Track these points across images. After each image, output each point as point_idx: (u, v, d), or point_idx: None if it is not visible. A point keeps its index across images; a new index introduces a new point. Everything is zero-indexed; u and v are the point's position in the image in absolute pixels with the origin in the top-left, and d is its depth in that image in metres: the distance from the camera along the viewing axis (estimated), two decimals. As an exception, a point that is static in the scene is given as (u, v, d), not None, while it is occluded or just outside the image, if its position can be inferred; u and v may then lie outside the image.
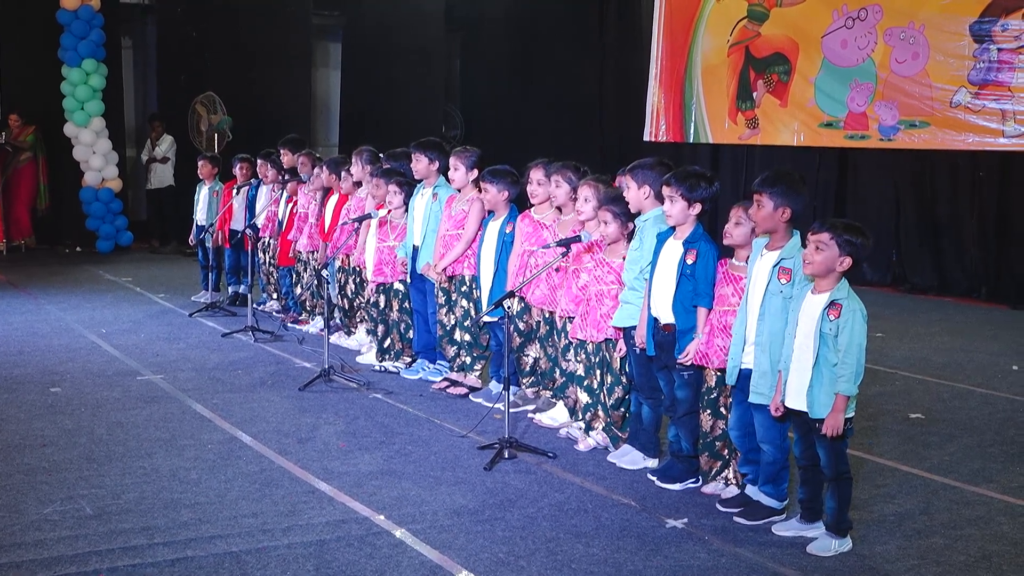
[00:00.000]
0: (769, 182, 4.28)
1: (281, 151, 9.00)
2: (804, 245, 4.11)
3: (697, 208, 4.70)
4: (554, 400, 5.87)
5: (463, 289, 6.40)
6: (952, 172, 10.67)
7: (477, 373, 6.47)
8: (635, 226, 5.09)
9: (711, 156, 12.80)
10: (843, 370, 3.93)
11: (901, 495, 4.78)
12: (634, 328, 4.96)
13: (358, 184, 7.59)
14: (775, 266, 4.25)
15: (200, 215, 9.80)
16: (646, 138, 13.27)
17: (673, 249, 4.74)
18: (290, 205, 8.64)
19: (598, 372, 5.27)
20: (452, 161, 6.43)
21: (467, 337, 6.42)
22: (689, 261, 4.64)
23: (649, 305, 4.83)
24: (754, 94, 12.10)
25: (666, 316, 4.72)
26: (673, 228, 4.77)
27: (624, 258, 5.12)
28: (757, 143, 12.13)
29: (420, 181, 6.77)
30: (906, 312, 9.78)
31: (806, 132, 11.49)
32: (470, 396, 6.34)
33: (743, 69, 12.24)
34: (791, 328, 4.11)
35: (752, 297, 4.35)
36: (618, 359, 5.16)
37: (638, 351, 4.95)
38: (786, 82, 11.72)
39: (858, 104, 10.92)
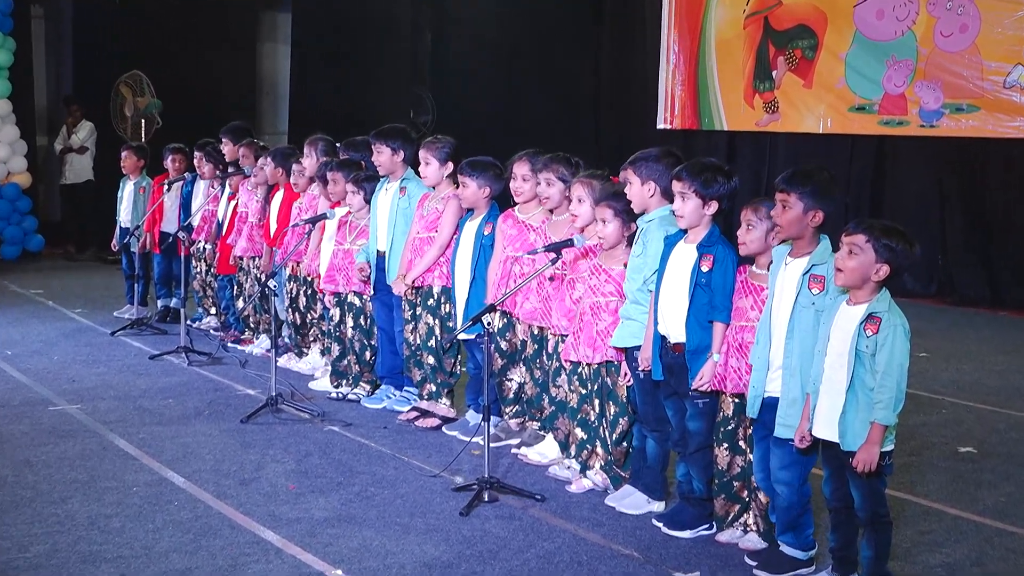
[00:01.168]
0: (798, 181, 4.29)
1: (222, 141, 8.96)
2: (836, 250, 4.11)
3: (713, 207, 4.69)
4: (542, 432, 5.86)
5: (429, 303, 6.37)
6: (1006, 164, 10.74)
7: (447, 403, 6.45)
8: (637, 227, 5.08)
9: (727, 146, 12.83)
10: (881, 395, 3.92)
11: (949, 542, 4.79)
12: (638, 349, 4.94)
13: (312, 179, 7.57)
14: (805, 274, 4.25)
15: (124, 215, 9.77)
16: (660, 125, 13.29)
17: (685, 255, 4.73)
18: (231, 204, 8.61)
19: (596, 401, 5.25)
20: (422, 155, 6.41)
21: (431, 360, 6.40)
22: (704, 268, 4.63)
23: (656, 321, 4.81)
24: (774, 73, 12.16)
25: (677, 334, 4.71)
26: (684, 230, 4.77)
27: (626, 265, 5.10)
28: (777, 130, 12.18)
29: (386, 176, 6.75)
30: (954, 328, 9.83)
31: (834, 117, 11.56)
32: (443, 428, 6.32)
33: (761, 44, 12.31)
34: (821, 345, 4.11)
35: (778, 313, 4.33)
36: (624, 387, 5.14)
37: (642, 376, 4.94)
38: (811, 59, 11.79)
39: (896, 84, 10.99)
